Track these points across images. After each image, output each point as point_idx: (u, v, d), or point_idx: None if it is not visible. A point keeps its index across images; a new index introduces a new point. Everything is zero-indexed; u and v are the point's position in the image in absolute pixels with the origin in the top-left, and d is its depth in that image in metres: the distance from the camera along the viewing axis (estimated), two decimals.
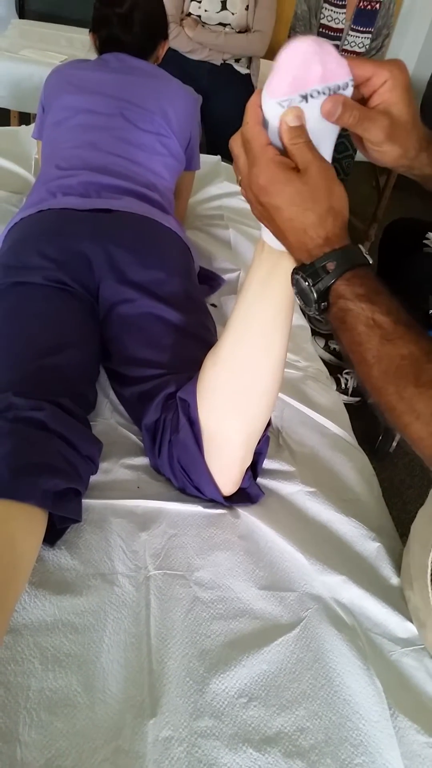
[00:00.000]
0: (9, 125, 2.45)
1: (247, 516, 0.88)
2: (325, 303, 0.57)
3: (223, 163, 1.95)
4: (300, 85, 0.56)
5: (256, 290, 0.76)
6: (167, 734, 0.64)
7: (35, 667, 0.67)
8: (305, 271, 0.57)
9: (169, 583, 0.78)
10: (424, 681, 0.74)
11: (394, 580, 0.85)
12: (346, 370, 2.05)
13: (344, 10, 2.37)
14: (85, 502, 0.84)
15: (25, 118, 2.51)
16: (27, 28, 2.81)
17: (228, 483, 0.87)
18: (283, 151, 0.59)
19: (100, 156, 1.26)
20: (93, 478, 0.87)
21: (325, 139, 0.61)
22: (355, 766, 0.64)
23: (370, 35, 2.42)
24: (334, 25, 2.40)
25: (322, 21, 2.41)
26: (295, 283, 0.59)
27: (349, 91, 0.58)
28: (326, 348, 2.16)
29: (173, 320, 1.04)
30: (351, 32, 2.41)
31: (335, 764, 0.64)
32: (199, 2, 2.25)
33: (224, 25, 2.29)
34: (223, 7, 2.26)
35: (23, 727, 0.62)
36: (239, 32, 2.31)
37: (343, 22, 2.39)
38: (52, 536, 0.78)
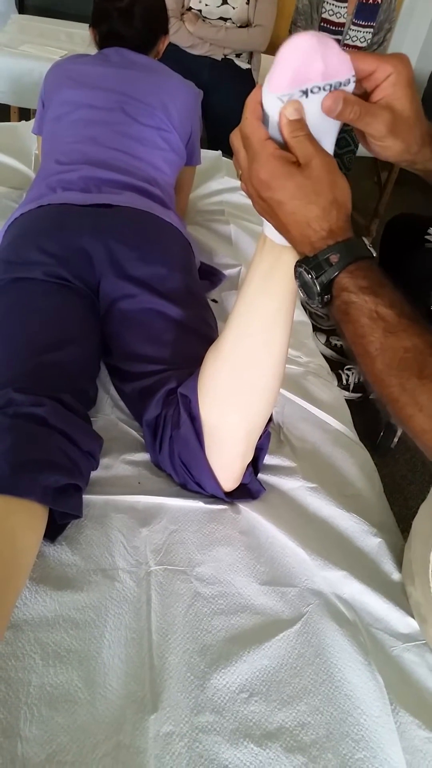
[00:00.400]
0: (9, 121, 2.44)
1: (248, 511, 0.88)
2: (328, 296, 0.57)
3: (223, 158, 1.94)
4: (300, 81, 0.56)
5: (258, 285, 0.75)
6: (168, 729, 0.64)
7: (36, 663, 0.67)
8: (308, 264, 0.57)
9: (170, 579, 0.78)
10: (426, 676, 0.74)
11: (396, 575, 0.85)
12: (348, 366, 2.04)
13: (346, 5, 2.35)
14: (86, 497, 0.84)
15: (25, 114, 2.51)
16: (26, 23, 2.80)
17: (229, 479, 0.87)
18: (284, 146, 0.59)
19: (100, 151, 1.25)
20: (94, 474, 0.87)
21: (326, 134, 0.61)
22: (356, 761, 0.64)
23: (371, 30, 2.41)
24: (336, 20, 2.39)
25: (323, 15, 2.39)
26: (298, 275, 0.59)
27: (350, 87, 0.58)
28: (327, 344, 2.16)
29: (174, 316, 1.04)
30: (352, 27, 2.40)
31: (336, 759, 0.64)
32: None
33: (225, 19, 2.28)
34: (224, 2, 2.25)
35: (24, 723, 0.62)
36: (240, 27, 2.30)
37: (345, 16, 2.38)
38: (53, 532, 0.78)
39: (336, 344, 2.15)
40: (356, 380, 2.02)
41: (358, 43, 2.43)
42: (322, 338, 2.16)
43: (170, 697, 0.66)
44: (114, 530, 0.82)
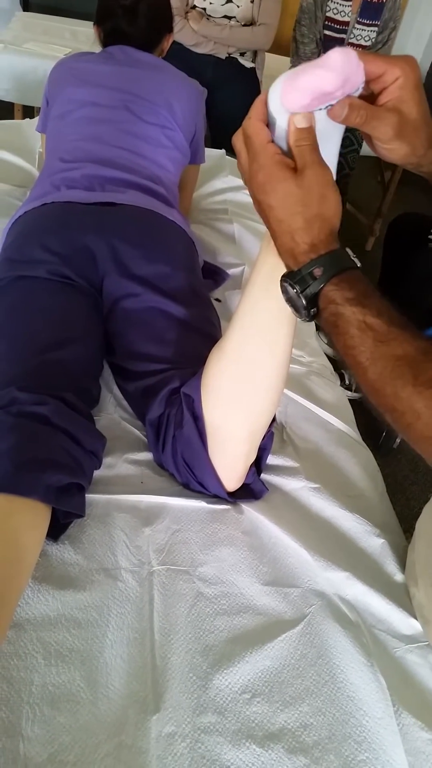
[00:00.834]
0: (13, 119, 2.44)
1: (250, 512, 0.88)
2: (315, 309, 0.57)
3: (227, 157, 1.94)
4: (317, 104, 0.56)
5: (262, 285, 0.75)
6: (170, 730, 0.63)
7: (38, 662, 0.67)
8: (293, 278, 0.57)
9: (172, 579, 0.77)
10: (428, 678, 0.74)
11: (399, 576, 0.85)
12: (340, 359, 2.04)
13: (350, 3, 2.35)
14: (89, 497, 0.83)
15: (29, 112, 2.51)
16: (31, 21, 2.79)
17: (232, 479, 0.87)
18: (286, 151, 0.58)
19: (104, 149, 1.25)
20: (96, 473, 0.87)
21: (331, 137, 0.61)
22: (359, 762, 0.64)
23: (376, 29, 2.40)
24: (340, 18, 2.38)
25: (327, 14, 2.38)
26: (284, 290, 0.59)
27: (358, 92, 0.58)
28: (330, 343, 2.15)
29: (177, 315, 1.04)
30: (357, 25, 2.39)
31: (338, 761, 0.64)
32: None
33: (229, 18, 2.27)
34: (229, 0, 2.24)
35: (26, 722, 0.62)
36: (244, 25, 2.29)
37: (349, 15, 2.37)
38: (56, 531, 0.78)
39: None
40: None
41: (362, 42, 2.42)
42: (325, 337, 2.15)
43: (172, 697, 0.66)
44: (117, 530, 0.82)
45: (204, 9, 2.26)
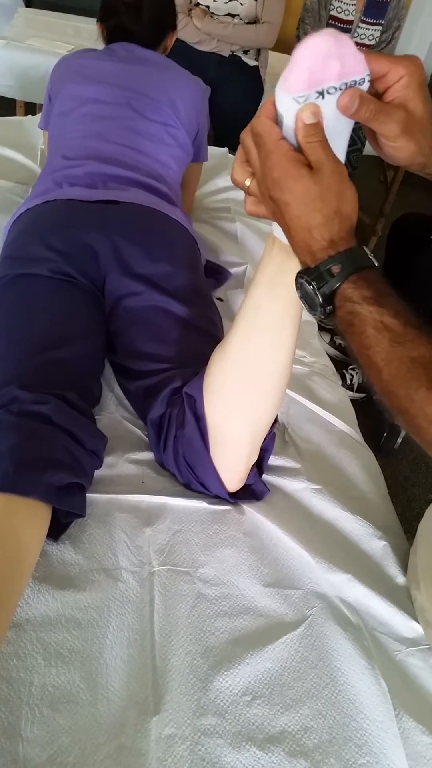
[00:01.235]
0: (15, 115, 2.43)
1: (252, 513, 0.88)
2: (331, 307, 0.56)
3: (230, 155, 1.93)
4: (317, 82, 0.55)
5: (266, 286, 0.75)
6: (170, 732, 0.63)
7: (38, 663, 0.66)
8: (310, 275, 0.56)
9: (173, 579, 0.77)
10: (430, 681, 0.74)
11: (400, 579, 0.84)
12: (352, 366, 2.04)
13: (354, 2, 2.34)
14: (90, 496, 0.83)
15: (31, 108, 2.50)
16: (33, 17, 2.78)
17: (233, 479, 0.86)
18: (296, 148, 0.58)
19: (107, 146, 1.24)
20: (97, 473, 0.87)
21: (340, 134, 0.60)
22: (360, 766, 0.64)
23: (380, 27, 2.40)
24: (344, 17, 2.38)
25: (331, 12, 2.38)
26: (299, 286, 0.58)
27: (365, 86, 0.57)
28: (332, 343, 2.15)
29: (180, 314, 1.03)
30: (361, 24, 2.38)
31: (339, 764, 0.64)
32: None
33: (233, 15, 2.26)
34: None
35: (25, 723, 0.62)
36: (248, 23, 2.29)
37: (353, 13, 2.37)
38: (56, 531, 0.78)
39: (341, 344, 2.14)
40: (360, 380, 2.01)
41: (366, 41, 2.41)
42: (327, 337, 2.15)
43: (172, 699, 0.66)
44: (117, 530, 0.82)
45: (207, 6, 2.25)
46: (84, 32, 2.64)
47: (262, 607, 0.77)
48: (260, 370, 0.80)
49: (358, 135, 2.27)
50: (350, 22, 2.38)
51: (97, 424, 0.92)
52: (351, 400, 1.25)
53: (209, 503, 0.88)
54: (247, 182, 0.64)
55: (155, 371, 0.97)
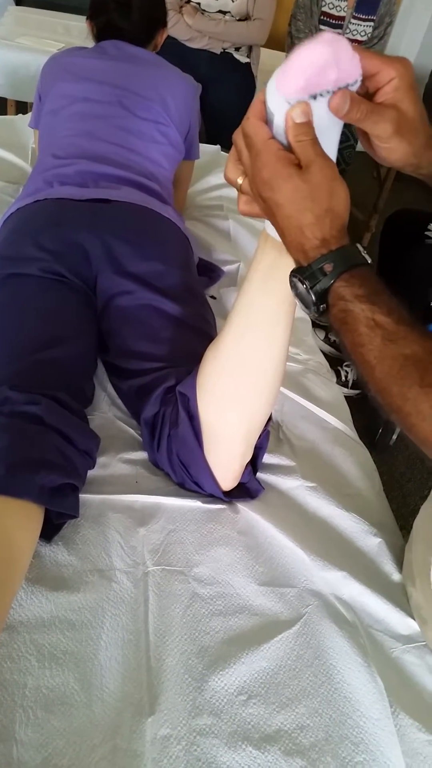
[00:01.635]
0: (6, 114, 2.42)
1: (246, 511, 0.87)
2: (324, 305, 0.56)
3: (222, 152, 1.93)
4: (312, 88, 0.55)
5: (259, 283, 0.74)
6: (166, 732, 0.63)
7: (32, 665, 0.66)
8: (302, 274, 0.56)
9: (167, 579, 0.77)
10: (426, 678, 0.74)
11: (396, 576, 0.84)
12: (346, 363, 2.04)
13: None
14: (83, 497, 0.83)
15: (22, 107, 2.49)
16: (24, 15, 2.77)
17: (227, 478, 0.86)
18: (287, 147, 0.58)
19: (97, 145, 1.24)
20: (91, 473, 0.86)
21: (331, 133, 0.60)
22: (356, 764, 0.64)
23: (372, 23, 2.39)
24: (336, 13, 2.37)
25: (323, 8, 2.37)
26: (293, 285, 0.58)
27: (356, 87, 0.57)
28: (326, 340, 2.15)
29: (172, 312, 1.03)
30: (353, 20, 2.38)
31: (335, 762, 0.63)
32: None
33: (224, 12, 2.26)
34: None
35: (19, 726, 0.61)
36: (239, 20, 2.28)
37: (345, 9, 2.36)
38: (49, 532, 0.77)
39: (334, 340, 2.14)
40: (355, 377, 2.01)
41: (358, 37, 2.41)
42: (321, 334, 2.15)
43: (168, 699, 0.65)
44: (111, 530, 0.81)
45: (198, 3, 2.25)
46: (74, 30, 2.63)
47: (257, 606, 0.76)
48: (254, 367, 0.80)
49: (351, 131, 2.26)
50: (342, 18, 2.38)
51: (90, 424, 0.91)
52: (345, 396, 1.25)
53: (203, 502, 0.88)
54: (240, 180, 0.64)
55: (148, 370, 0.96)
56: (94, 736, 0.62)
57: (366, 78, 0.58)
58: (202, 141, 1.61)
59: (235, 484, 0.88)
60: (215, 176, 1.80)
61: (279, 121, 0.57)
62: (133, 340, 1.02)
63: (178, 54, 2.17)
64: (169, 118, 1.34)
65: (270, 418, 0.89)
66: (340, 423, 1.10)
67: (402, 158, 0.61)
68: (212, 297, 1.34)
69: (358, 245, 0.56)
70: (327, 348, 2.11)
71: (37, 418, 0.79)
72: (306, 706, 0.67)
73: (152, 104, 1.31)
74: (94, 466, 0.87)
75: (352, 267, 0.55)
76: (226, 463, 0.85)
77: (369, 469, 1.04)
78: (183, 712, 0.65)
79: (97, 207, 1.11)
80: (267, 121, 0.58)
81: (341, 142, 0.65)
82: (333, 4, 2.36)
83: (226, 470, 0.85)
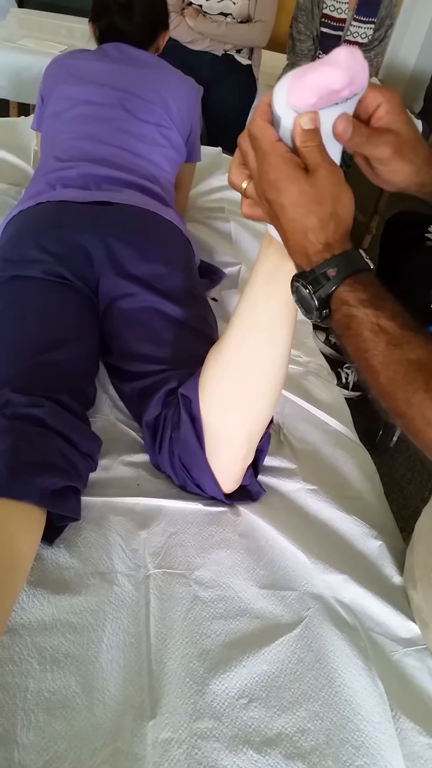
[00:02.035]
0: (8, 116, 2.42)
1: (247, 514, 0.87)
2: (327, 310, 0.56)
3: (224, 154, 1.93)
4: (323, 104, 0.55)
5: (262, 286, 0.74)
6: (167, 736, 0.63)
7: (33, 668, 0.66)
8: (305, 278, 0.56)
9: (168, 582, 0.77)
10: (427, 682, 0.74)
11: (396, 579, 0.84)
12: (347, 365, 2.04)
13: (347, 0, 2.34)
14: (84, 499, 0.83)
15: (24, 109, 2.49)
16: (26, 18, 2.78)
17: (229, 480, 0.86)
18: (292, 149, 0.58)
19: (100, 147, 1.24)
20: (92, 476, 0.86)
21: (337, 141, 0.60)
22: (357, 767, 0.64)
23: (372, 26, 2.40)
24: (337, 15, 2.37)
25: (324, 11, 2.38)
26: (295, 290, 0.58)
27: (361, 93, 0.58)
28: (327, 342, 2.15)
29: (174, 315, 1.03)
30: (353, 22, 2.38)
31: (336, 766, 0.63)
32: None
33: (225, 14, 2.26)
34: None
35: (21, 729, 0.61)
36: (241, 22, 2.28)
37: (346, 12, 2.36)
38: (51, 534, 0.78)
39: (335, 342, 2.14)
40: (355, 379, 2.01)
41: (358, 39, 2.41)
42: (322, 336, 2.15)
43: (169, 702, 0.65)
44: (112, 533, 0.81)
45: (200, 6, 2.25)
46: (77, 32, 2.64)
47: (258, 609, 0.76)
48: (256, 369, 0.80)
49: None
50: (343, 21, 2.38)
51: (92, 427, 0.91)
52: (346, 398, 1.25)
53: (205, 505, 0.88)
54: (244, 185, 0.64)
55: (150, 372, 0.96)
56: (95, 740, 0.62)
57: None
58: (203, 143, 1.61)
59: (237, 487, 0.88)
60: (217, 178, 1.81)
61: (286, 124, 0.57)
62: (135, 342, 1.02)
63: (179, 56, 2.17)
64: (171, 121, 1.34)
65: (271, 421, 0.89)
66: (341, 425, 1.10)
67: (406, 178, 0.62)
68: (214, 299, 1.34)
69: (361, 250, 0.57)
70: (328, 350, 2.12)
71: (39, 420, 0.79)
72: (307, 710, 0.67)
73: (154, 107, 1.32)
74: (95, 469, 0.87)
75: (356, 272, 0.55)
76: (227, 466, 0.85)
77: (370, 471, 1.04)
78: (184, 715, 0.65)
79: (99, 209, 1.11)
80: (273, 124, 0.59)
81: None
82: (334, 7, 2.36)
83: (228, 473, 0.85)
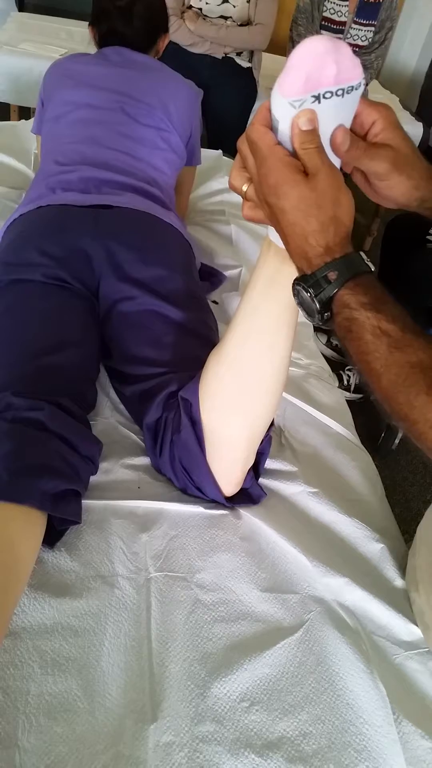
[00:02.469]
0: (9, 120, 2.43)
1: (249, 517, 0.87)
2: (328, 313, 0.56)
3: (224, 157, 1.93)
4: (313, 85, 0.55)
5: (262, 289, 0.74)
6: (168, 739, 0.63)
7: (34, 671, 0.66)
8: (306, 282, 0.56)
9: (170, 585, 0.77)
10: (429, 685, 0.73)
11: (398, 581, 0.84)
12: (348, 367, 2.04)
13: (347, 3, 2.34)
14: (85, 503, 0.83)
15: (24, 113, 2.50)
16: (26, 22, 2.78)
17: (230, 483, 0.86)
18: (292, 153, 0.58)
19: (100, 151, 1.24)
20: (93, 479, 0.86)
21: None
22: None
23: (373, 28, 2.40)
24: (337, 18, 2.38)
25: (324, 14, 2.38)
26: (296, 294, 0.59)
27: (360, 91, 0.57)
28: (328, 344, 2.15)
29: (175, 318, 1.03)
30: (354, 25, 2.38)
31: None
32: None
33: (225, 18, 2.26)
34: (225, 0, 2.23)
35: (22, 733, 0.61)
36: (241, 25, 2.28)
37: (346, 14, 2.37)
38: (52, 538, 0.77)
39: (337, 344, 2.14)
40: (357, 381, 2.01)
41: (359, 42, 2.42)
42: (323, 338, 2.15)
43: (170, 706, 0.65)
44: (113, 536, 0.81)
45: (200, 9, 2.25)
46: (77, 36, 2.65)
47: (259, 613, 0.76)
48: (257, 372, 0.80)
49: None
50: (343, 23, 2.39)
51: (93, 430, 0.91)
52: (348, 401, 1.25)
53: (206, 508, 0.88)
54: (245, 188, 0.64)
55: (150, 375, 0.96)
56: (96, 743, 0.62)
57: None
58: (203, 146, 1.61)
59: (238, 490, 0.88)
60: (217, 181, 1.81)
61: (284, 127, 0.57)
62: (135, 345, 1.02)
63: (180, 59, 2.18)
64: (171, 125, 1.34)
65: (272, 424, 0.89)
66: (342, 428, 1.10)
67: (405, 193, 0.62)
68: (214, 302, 1.34)
69: (361, 253, 0.57)
70: (329, 352, 2.11)
71: (39, 423, 0.79)
72: (308, 713, 0.67)
73: (154, 110, 1.32)
74: (96, 472, 0.87)
75: (356, 275, 0.55)
76: (228, 469, 0.85)
77: (371, 474, 1.04)
78: (186, 718, 0.64)
79: (99, 213, 1.12)
80: (272, 128, 0.59)
81: None
82: (334, 9, 2.37)
83: (229, 475, 0.85)
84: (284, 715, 0.67)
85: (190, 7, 2.26)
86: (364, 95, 0.60)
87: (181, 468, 0.87)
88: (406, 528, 0.98)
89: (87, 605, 0.73)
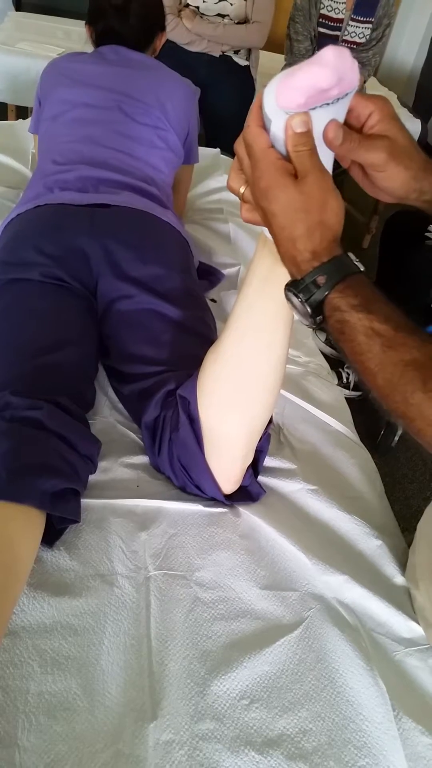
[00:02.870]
0: (6, 119, 2.43)
1: (248, 515, 0.87)
2: (321, 316, 0.56)
3: (222, 155, 1.93)
4: (314, 102, 0.55)
5: (258, 286, 0.74)
6: (168, 737, 0.63)
7: (34, 670, 0.66)
8: (296, 287, 0.57)
9: (169, 584, 0.77)
10: (429, 681, 0.73)
11: (398, 578, 0.84)
12: (347, 365, 2.03)
13: (344, 0, 2.33)
14: (84, 501, 0.83)
15: (22, 112, 2.49)
16: (23, 21, 2.78)
17: (229, 481, 0.86)
18: (284, 154, 0.58)
19: (97, 150, 1.24)
20: (92, 478, 0.86)
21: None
22: None
23: (370, 25, 2.39)
24: (334, 15, 2.37)
25: (321, 11, 2.37)
26: (288, 299, 0.59)
27: (353, 93, 0.58)
28: (327, 341, 2.14)
29: (173, 316, 1.03)
30: (351, 22, 2.38)
31: (338, 767, 0.63)
32: None
33: (223, 16, 2.26)
34: None
35: (22, 732, 0.61)
36: (238, 23, 2.28)
37: (343, 12, 2.36)
38: (51, 537, 0.77)
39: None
40: (356, 378, 2.01)
41: (356, 39, 2.41)
42: (322, 336, 2.15)
43: (170, 704, 0.65)
44: (112, 535, 0.81)
45: (197, 7, 2.25)
46: (74, 35, 2.64)
47: (259, 610, 0.76)
48: (254, 370, 0.80)
49: None
50: (340, 21, 2.38)
51: (91, 429, 0.91)
52: (347, 398, 1.25)
53: (205, 506, 0.88)
54: (242, 189, 0.64)
55: (149, 374, 0.96)
56: (96, 742, 0.62)
57: (347, 113, 0.59)
58: (201, 144, 1.61)
59: (237, 488, 0.88)
60: (215, 179, 1.81)
61: (276, 129, 0.57)
62: (133, 344, 1.02)
63: (177, 58, 2.17)
64: (168, 123, 1.34)
65: (271, 421, 0.89)
66: (341, 425, 1.10)
67: (403, 184, 0.62)
68: (212, 300, 1.34)
69: (350, 254, 0.56)
70: (328, 350, 2.11)
71: (38, 422, 0.79)
72: (308, 710, 0.67)
73: (151, 109, 1.32)
74: (95, 471, 0.87)
75: (345, 277, 0.55)
76: (227, 467, 0.85)
77: (370, 471, 1.04)
78: (185, 716, 0.64)
79: (97, 212, 1.11)
80: (264, 126, 0.58)
81: None
82: (331, 7, 2.36)
83: (228, 473, 0.85)
84: (284, 713, 0.67)
85: (187, 5, 2.26)
86: (362, 92, 0.59)
87: (179, 466, 0.87)
88: (405, 525, 0.98)
89: (86, 604, 0.73)
